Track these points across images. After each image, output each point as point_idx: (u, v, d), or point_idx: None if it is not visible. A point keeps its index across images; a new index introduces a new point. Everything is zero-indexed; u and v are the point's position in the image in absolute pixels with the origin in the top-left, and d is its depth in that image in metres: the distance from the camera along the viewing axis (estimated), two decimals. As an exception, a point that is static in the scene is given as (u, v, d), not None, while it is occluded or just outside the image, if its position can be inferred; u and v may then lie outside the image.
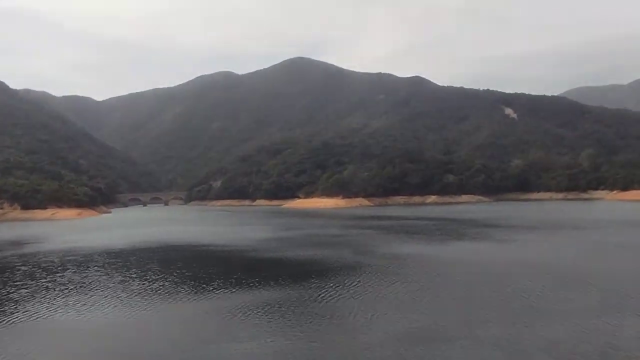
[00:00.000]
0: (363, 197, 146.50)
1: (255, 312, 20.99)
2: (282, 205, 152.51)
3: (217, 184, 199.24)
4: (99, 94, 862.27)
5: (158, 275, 30.63)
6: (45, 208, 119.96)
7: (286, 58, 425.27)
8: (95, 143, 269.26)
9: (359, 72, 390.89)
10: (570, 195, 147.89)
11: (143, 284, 27.89)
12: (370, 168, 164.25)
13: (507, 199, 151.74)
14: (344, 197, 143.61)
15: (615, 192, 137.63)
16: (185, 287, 27.05)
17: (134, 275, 31.04)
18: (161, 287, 26.89)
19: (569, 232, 51.82)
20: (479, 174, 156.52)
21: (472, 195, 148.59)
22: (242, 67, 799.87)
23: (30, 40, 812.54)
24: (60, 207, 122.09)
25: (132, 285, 27.68)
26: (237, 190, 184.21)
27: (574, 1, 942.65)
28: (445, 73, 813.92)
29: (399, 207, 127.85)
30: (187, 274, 31.59)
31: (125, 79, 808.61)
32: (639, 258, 32.80)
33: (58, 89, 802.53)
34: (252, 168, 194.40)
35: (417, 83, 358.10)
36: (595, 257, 33.47)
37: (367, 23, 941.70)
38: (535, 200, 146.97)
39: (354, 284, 26.37)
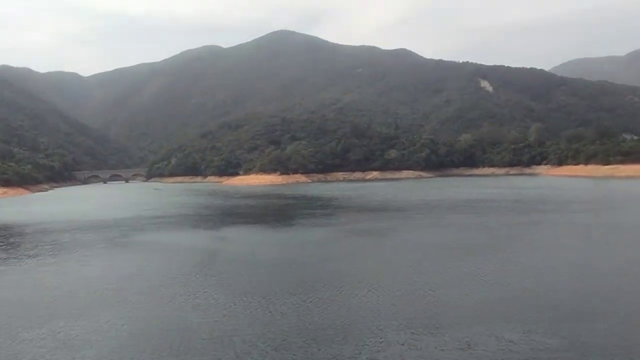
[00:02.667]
0: (302, 173, 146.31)
1: None
2: (223, 182, 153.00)
3: (175, 160, 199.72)
4: (90, 69, 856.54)
5: None
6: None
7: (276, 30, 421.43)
8: (67, 120, 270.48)
9: (342, 45, 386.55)
10: (513, 171, 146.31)
11: None
12: (322, 144, 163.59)
13: (450, 175, 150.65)
14: (281, 174, 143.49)
15: (552, 167, 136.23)
16: None
17: None
18: None
19: (372, 215, 51.58)
20: (423, 149, 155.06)
21: (412, 171, 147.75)
22: (234, 41, 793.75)
23: (26, 14, 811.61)
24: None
25: None
26: (191, 167, 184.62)
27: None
28: (440, 44, 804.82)
29: (332, 184, 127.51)
30: None
31: (117, 53, 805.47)
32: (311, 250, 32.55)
33: (50, 64, 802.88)
34: (208, 144, 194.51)
35: (402, 55, 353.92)
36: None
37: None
38: (478, 175, 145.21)
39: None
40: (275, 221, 47.97)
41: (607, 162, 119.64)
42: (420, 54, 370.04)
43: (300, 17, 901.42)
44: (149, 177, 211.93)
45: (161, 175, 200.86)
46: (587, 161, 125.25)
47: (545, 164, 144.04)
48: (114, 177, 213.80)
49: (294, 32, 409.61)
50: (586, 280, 20.97)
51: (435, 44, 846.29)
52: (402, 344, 14.30)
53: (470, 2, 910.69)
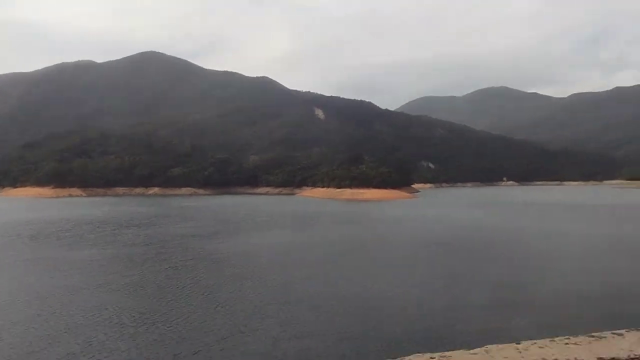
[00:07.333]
0: (79, 187, 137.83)
1: None
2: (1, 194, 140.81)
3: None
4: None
5: None
6: None
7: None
8: None
9: (208, 69, 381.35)
10: (286, 190, 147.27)
11: None
12: (109, 160, 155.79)
13: (231, 193, 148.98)
14: (55, 187, 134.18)
15: (310, 188, 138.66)
16: None
17: None
18: None
19: None
20: (208, 167, 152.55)
21: (189, 188, 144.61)
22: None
23: None
24: None
25: None
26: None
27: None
28: (320, 79, 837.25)
29: (98, 198, 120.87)
30: None
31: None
32: None
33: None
34: (21, 155, 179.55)
35: (261, 83, 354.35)
36: None
37: (258, 28, 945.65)
38: (255, 194, 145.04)
39: None
40: None
41: (340, 186, 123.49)
42: (287, 85, 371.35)
43: (201, 44, 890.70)
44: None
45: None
46: (328, 184, 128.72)
47: (310, 186, 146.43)
48: None
49: (163, 54, 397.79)
50: None
51: (315, 78, 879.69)
52: None
53: (350, 45, 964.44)
